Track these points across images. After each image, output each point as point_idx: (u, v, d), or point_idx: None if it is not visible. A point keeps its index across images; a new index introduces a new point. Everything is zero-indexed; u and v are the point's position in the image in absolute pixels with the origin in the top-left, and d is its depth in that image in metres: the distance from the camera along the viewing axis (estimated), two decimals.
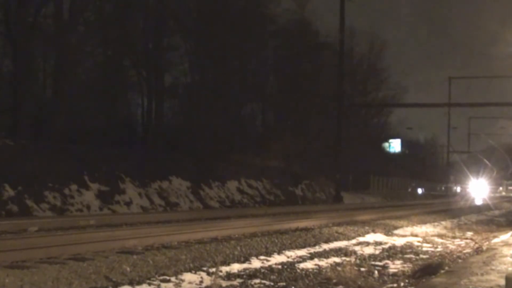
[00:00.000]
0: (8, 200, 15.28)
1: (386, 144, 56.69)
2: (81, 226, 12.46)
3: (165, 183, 21.96)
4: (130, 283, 6.54)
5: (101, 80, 28.21)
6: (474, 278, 6.46)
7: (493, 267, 7.31)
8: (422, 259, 9.68)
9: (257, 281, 7.09)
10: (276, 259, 8.82)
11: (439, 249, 11.29)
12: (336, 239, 11.89)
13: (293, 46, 37.88)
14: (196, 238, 10.00)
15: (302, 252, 9.79)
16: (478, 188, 54.93)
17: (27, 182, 16.21)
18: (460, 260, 9.40)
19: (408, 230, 15.19)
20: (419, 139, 73.95)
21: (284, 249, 9.81)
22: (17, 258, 7.18)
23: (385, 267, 8.60)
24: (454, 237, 13.62)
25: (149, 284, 6.58)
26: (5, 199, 15.25)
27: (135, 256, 7.76)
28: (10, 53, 23.25)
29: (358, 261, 8.95)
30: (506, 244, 10.81)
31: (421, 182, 66.39)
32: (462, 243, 12.47)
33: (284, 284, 7.03)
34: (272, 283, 7.01)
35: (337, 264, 8.61)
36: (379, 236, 13.17)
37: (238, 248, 9.33)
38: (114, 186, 19.29)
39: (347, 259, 9.09)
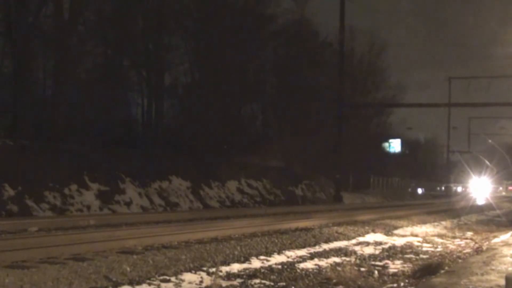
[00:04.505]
0: (8, 200, 15.28)
1: (386, 144, 56.64)
2: (81, 226, 12.47)
3: (165, 183, 21.95)
4: (130, 283, 6.54)
5: (101, 80, 28.21)
6: (474, 278, 6.46)
7: (493, 267, 7.31)
8: (422, 259, 9.68)
9: (257, 281, 7.09)
10: (276, 259, 8.82)
11: (439, 249, 11.29)
12: (336, 239, 11.89)
13: (293, 46, 37.88)
14: (196, 238, 10.00)
15: (302, 252, 9.79)
16: (480, 188, 54.87)
17: (27, 182, 16.21)
18: (460, 260, 9.40)
19: (408, 230, 15.19)
20: (419, 139, 73.96)
21: (284, 249, 9.81)
22: (17, 258, 7.18)
23: (385, 267, 8.60)
24: (454, 237, 13.61)
25: (149, 284, 6.58)
26: (5, 199, 15.25)
27: (135, 256, 7.77)
28: (10, 53, 23.25)
29: (358, 261, 8.95)
30: (506, 244, 10.80)
31: (421, 182, 66.40)
32: (462, 243, 12.47)
33: (284, 284, 7.03)
34: (272, 283, 7.01)
35: (337, 264, 8.61)
36: (379, 236, 13.17)
37: (238, 248, 9.33)
38: (114, 186, 19.29)
39: (347, 259, 9.10)
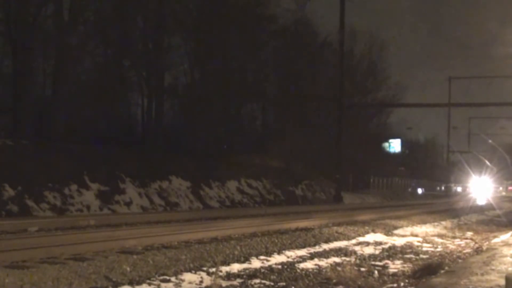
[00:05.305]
0: (8, 200, 15.28)
1: (386, 144, 56.66)
2: (81, 226, 12.47)
3: (165, 183, 21.95)
4: (130, 283, 6.54)
5: (101, 80, 28.21)
6: (474, 278, 6.46)
7: (493, 267, 7.31)
8: (422, 259, 9.68)
9: (257, 281, 7.09)
10: (276, 259, 8.82)
11: (439, 249, 11.29)
12: (336, 239, 11.89)
13: (293, 46, 37.86)
14: (196, 238, 10.00)
15: (302, 252, 9.79)
16: (480, 188, 54.81)
17: (27, 182, 16.21)
18: (460, 260, 9.40)
19: (408, 230, 15.19)
20: (419, 139, 73.99)
21: (284, 249, 9.81)
22: (17, 258, 7.18)
23: (385, 267, 8.60)
24: (454, 237, 13.61)
25: (149, 284, 6.58)
26: (5, 199, 15.25)
27: (135, 256, 7.77)
28: (10, 53, 23.26)
29: (358, 261, 8.95)
30: (506, 244, 10.81)
31: (421, 182, 66.38)
32: (462, 243, 12.47)
33: (284, 284, 7.03)
34: (272, 283, 7.01)
35: (337, 264, 8.61)
36: (379, 236, 13.17)
37: (238, 248, 9.33)
38: (114, 186, 19.29)
39: (347, 259, 9.10)
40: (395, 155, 58.38)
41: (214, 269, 7.31)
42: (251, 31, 33.17)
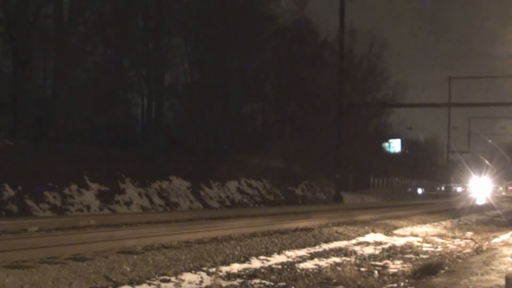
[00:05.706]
0: (8, 200, 15.28)
1: (386, 144, 56.64)
2: (81, 226, 12.47)
3: (165, 183, 21.95)
4: (130, 283, 6.54)
5: (101, 80, 28.22)
6: (474, 278, 6.46)
7: (493, 267, 7.31)
8: (422, 259, 9.68)
9: (257, 281, 7.09)
10: (276, 259, 8.82)
11: (439, 249, 11.28)
12: (336, 239, 11.88)
13: (293, 46, 37.88)
14: (196, 238, 10.00)
15: (302, 252, 9.79)
16: (480, 188, 54.82)
17: (27, 182, 16.21)
18: (460, 260, 9.40)
19: (408, 230, 15.19)
20: (419, 139, 73.99)
21: (284, 249, 9.80)
22: (17, 258, 7.18)
23: (385, 267, 8.60)
24: (454, 237, 13.61)
25: (149, 284, 6.58)
26: (5, 199, 15.25)
27: (135, 256, 7.77)
28: (10, 53, 23.28)
29: (358, 261, 8.95)
30: (506, 244, 10.81)
31: (421, 182, 66.38)
32: (462, 243, 12.47)
33: (284, 284, 7.03)
34: (272, 283, 7.01)
35: (337, 264, 8.60)
36: (379, 236, 13.17)
37: (238, 248, 9.33)
38: (114, 186, 19.29)
39: (347, 259, 9.10)
40: (395, 155, 58.36)
41: (214, 269, 7.31)
42: (251, 31, 33.18)
